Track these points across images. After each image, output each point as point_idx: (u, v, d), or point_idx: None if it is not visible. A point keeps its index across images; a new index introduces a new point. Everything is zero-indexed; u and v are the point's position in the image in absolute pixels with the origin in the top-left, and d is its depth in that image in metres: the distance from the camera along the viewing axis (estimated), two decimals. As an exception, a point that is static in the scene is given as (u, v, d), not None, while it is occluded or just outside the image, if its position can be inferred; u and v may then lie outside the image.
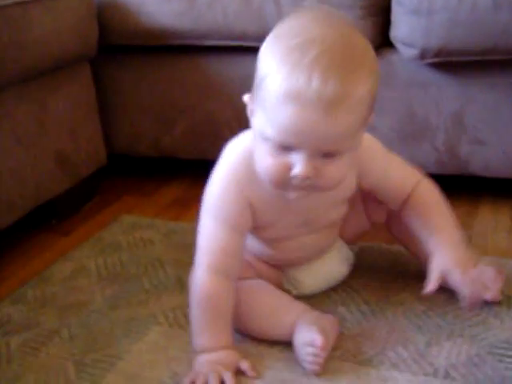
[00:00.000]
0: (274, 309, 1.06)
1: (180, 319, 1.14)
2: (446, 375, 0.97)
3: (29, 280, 1.30)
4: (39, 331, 1.13)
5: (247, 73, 1.55)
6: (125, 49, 1.64)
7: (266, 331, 1.06)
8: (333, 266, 1.19)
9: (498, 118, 1.42)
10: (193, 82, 1.62)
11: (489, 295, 1.02)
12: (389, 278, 1.22)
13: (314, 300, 1.14)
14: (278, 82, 0.85)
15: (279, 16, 1.44)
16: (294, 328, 1.02)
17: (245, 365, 0.99)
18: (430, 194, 1.09)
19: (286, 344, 1.03)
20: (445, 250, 1.03)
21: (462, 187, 1.60)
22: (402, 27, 1.38)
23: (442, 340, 1.03)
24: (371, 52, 0.91)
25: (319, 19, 0.90)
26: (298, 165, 0.88)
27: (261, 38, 1.49)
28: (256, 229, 1.08)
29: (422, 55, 1.37)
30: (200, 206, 1.59)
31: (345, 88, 0.83)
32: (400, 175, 1.10)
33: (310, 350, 0.98)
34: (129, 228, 1.49)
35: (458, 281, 0.98)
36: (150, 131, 1.72)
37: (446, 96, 1.44)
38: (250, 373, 0.98)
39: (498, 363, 0.99)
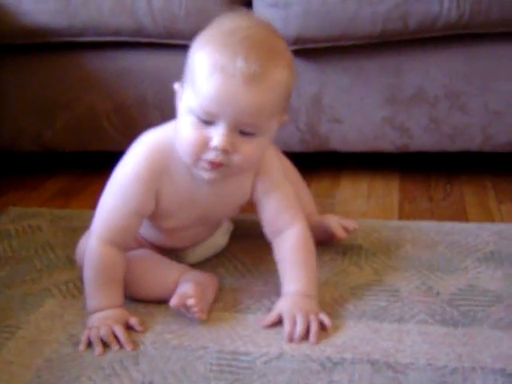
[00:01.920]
0: (158, 270, 1.15)
1: (73, 290, 1.21)
2: (314, 314, 1.10)
3: None
4: None
5: (122, 66, 1.67)
6: (4, 48, 1.66)
7: (152, 292, 1.15)
8: (217, 239, 1.30)
9: (351, 98, 1.58)
10: (72, 77, 1.68)
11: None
12: (262, 242, 1.32)
13: (196, 266, 1.23)
14: (206, 55, 0.97)
15: (151, 11, 1.55)
16: (177, 285, 1.12)
17: (133, 320, 1.08)
18: (305, 242, 1.14)
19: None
20: (293, 299, 1.09)
21: (325, 162, 1.76)
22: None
23: (310, 287, 1.16)
24: (290, 53, 1.04)
25: (246, 17, 1.04)
26: (217, 136, 0.98)
27: (134, 33, 1.60)
28: (155, 217, 1.15)
29: (282, 44, 1.52)
30: (84, 196, 1.68)
31: (264, 68, 0.95)
32: (282, 204, 1.15)
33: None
34: (16, 218, 1.53)
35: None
36: (31, 127, 1.75)
37: (305, 80, 1.59)
38: (137, 327, 1.07)
39: (358, 301, 1.14)
